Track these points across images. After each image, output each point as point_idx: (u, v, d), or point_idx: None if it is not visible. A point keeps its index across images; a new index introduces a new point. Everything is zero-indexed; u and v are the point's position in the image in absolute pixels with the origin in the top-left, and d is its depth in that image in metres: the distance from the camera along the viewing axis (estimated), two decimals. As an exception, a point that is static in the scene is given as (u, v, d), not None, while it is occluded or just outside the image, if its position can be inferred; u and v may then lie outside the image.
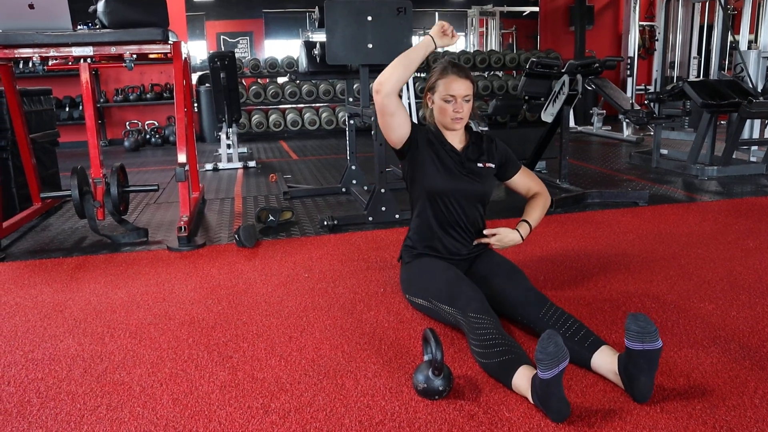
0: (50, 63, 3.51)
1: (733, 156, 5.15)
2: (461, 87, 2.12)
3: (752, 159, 5.56)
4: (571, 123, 8.49)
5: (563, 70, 4.16)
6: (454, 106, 2.13)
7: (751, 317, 2.14)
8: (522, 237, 2.22)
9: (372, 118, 3.49)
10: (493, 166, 2.27)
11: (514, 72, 10.31)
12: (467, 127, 2.30)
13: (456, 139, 2.26)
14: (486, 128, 4.89)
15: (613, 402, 1.60)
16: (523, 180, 2.34)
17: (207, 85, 8.43)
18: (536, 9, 11.12)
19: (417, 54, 2.06)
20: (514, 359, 1.66)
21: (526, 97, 4.54)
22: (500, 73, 10.30)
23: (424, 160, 2.20)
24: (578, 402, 1.61)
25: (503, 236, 2.20)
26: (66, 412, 1.65)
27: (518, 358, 1.66)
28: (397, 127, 2.14)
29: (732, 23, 7.89)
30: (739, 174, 4.93)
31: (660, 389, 1.64)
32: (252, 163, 6.35)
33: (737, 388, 1.66)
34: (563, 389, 1.51)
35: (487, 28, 11.46)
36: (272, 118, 8.90)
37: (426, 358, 1.69)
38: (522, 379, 1.60)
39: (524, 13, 11.57)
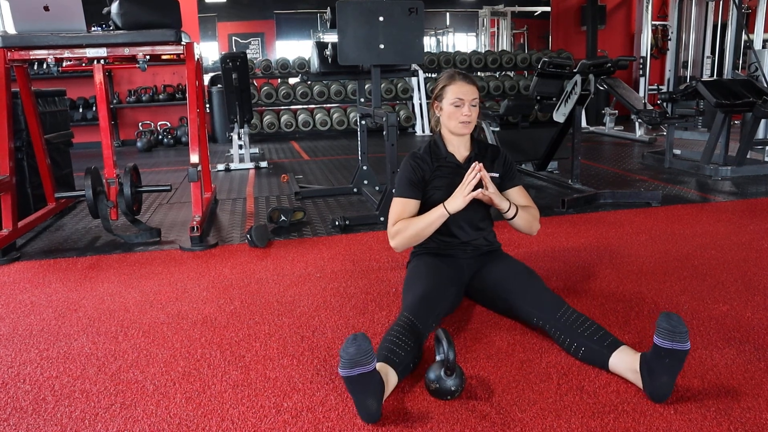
0: (65, 64, 3.54)
1: (748, 156, 5.10)
2: (469, 91, 2.15)
3: (767, 159, 5.50)
4: (583, 123, 8.45)
5: (575, 70, 4.14)
6: (463, 109, 2.14)
7: (766, 319, 2.12)
8: (507, 208, 2.16)
9: (383, 119, 3.49)
10: (497, 175, 2.25)
11: (526, 72, 10.28)
12: (473, 138, 2.30)
13: (462, 146, 2.26)
14: (497, 128, 4.87)
15: (626, 403, 1.60)
16: (518, 197, 2.27)
17: (219, 86, 8.47)
18: (548, 9, 11.06)
19: (433, 227, 2.13)
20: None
21: (538, 97, 4.51)
22: (512, 74, 10.27)
23: (434, 188, 2.21)
24: (591, 402, 1.60)
25: (496, 194, 2.13)
26: (80, 410, 1.66)
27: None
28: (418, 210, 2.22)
29: (746, 22, 7.82)
30: (754, 174, 4.88)
31: (674, 390, 1.63)
32: (264, 164, 6.37)
33: (752, 390, 1.65)
34: (371, 392, 1.54)
35: (498, 29, 11.41)
36: (283, 118, 8.93)
37: (438, 358, 1.69)
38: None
39: (536, 13, 11.51)
